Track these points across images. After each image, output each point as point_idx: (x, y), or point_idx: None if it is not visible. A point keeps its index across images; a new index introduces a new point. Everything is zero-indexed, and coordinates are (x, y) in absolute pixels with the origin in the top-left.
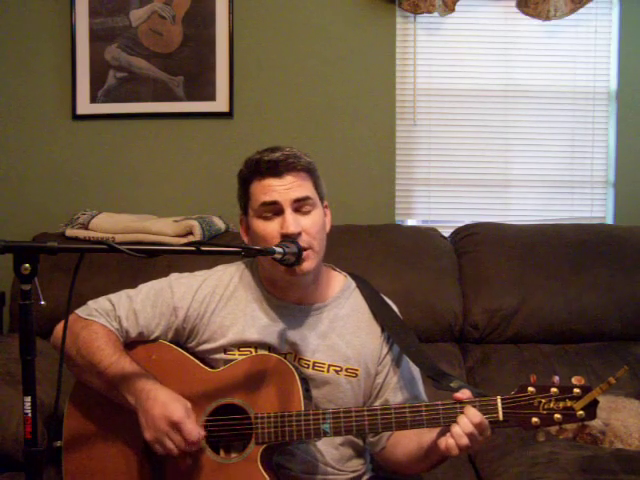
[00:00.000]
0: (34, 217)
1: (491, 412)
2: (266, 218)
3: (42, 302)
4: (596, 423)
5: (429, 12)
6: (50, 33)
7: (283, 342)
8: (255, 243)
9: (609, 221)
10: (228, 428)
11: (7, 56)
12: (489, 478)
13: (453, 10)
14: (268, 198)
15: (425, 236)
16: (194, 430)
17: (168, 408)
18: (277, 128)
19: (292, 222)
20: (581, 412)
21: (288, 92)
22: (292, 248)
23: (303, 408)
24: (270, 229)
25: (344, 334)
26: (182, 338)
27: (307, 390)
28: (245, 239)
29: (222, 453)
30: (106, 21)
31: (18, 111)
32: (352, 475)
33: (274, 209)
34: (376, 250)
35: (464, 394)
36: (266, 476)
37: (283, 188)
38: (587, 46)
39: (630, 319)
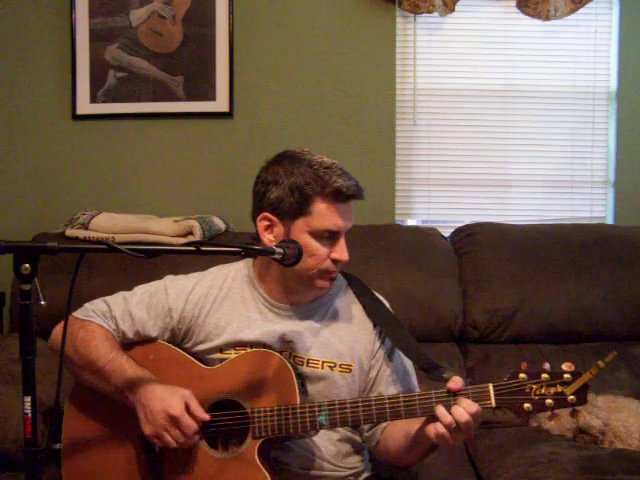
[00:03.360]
0: (34, 217)
1: (484, 399)
2: (321, 239)
3: (42, 302)
4: (596, 423)
5: (429, 12)
6: (50, 33)
7: (278, 341)
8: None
9: (609, 221)
10: (225, 424)
11: (7, 56)
12: (489, 478)
13: (453, 10)
14: (335, 227)
15: (425, 236)
16: (192, 424)
17: (166, 402)
18: (277, 128)
19: (346, 251)
20: (572, 397)
21: (288, 92)
22: (292, 249)
23: (299, 402)
24: (322, 251)
25: (337, 331)
26: (178, 339)
27: (302, 385)
28: (267, 238)
29: (220, 448)
30: (106, 21)
31: (18, 111)
32: (350, 472)
33: (332, 234)
34: (376, 250)
35: (456, 383)
36: (263, 470)
37: (346, 216)
38: (587, 46)
39: (630, 319)
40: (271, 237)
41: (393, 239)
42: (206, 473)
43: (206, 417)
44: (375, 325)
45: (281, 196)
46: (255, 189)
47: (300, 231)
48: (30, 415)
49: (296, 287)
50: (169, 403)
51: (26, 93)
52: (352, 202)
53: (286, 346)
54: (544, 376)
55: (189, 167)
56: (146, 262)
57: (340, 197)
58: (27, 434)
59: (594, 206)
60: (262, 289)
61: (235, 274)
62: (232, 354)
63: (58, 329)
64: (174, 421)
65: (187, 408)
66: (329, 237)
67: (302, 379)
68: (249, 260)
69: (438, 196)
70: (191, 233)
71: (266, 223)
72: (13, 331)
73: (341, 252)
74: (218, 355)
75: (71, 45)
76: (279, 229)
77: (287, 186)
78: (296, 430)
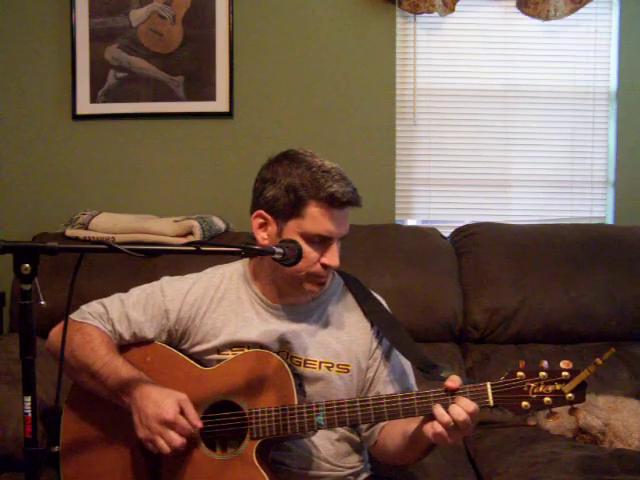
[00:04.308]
0: (34, 217)
1: (481, 398)
2: (312, 243)
3: (42, 302)
4: (596, 423)
5: (429, 12)
6: (50, 33)
7: (275, 341)
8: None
9: (609, 221)
10: (223, 425)
11: (7, 56)
12: (489, 478)
13: (453, 10)
14: (326, 233)
15: (425, 236)
16: (186, 425)
17: (160, 407)
18: (277, 128)
19: (336, 257)
20: (570, 395)
21: (288, 92)
22: (293, 250)
23: (297, 403)
24: (313, 255)
25: (334, 331)
26: (175, 340)
27: (300, 385)
28: (260, 236)
29: (218, 449)
30: (106, 21)
31: (18, 111)
32: (349, 472)
33: (323, 238)
34: (376, 250)
35: (454, 382)
36: (261, 470)
37: (339, 223)
38: (587, 46)
39: (630, 319)
40: (264, 235)
41: (393, 239)
42: (204, 474)
43: (199, 424)
44: (372, 325)
45: (276, 195)
46: (254, 185)
47: (292, 232)
48: (30, 415)
49: (286, 289)
50: (163, 407)
51: (26, 93)
52: (348, 209)
53: (283, 346)
54: (542, 374)
55: (189, 167)
56: (146, 262)
57: (334, 203)
58: (27, 434)
59: (594, 206)
60: (257, 288)
61: (231, 274)
62: (229, 355)
63: (54, 332)
64: (168, 425)
65: (181, 412)
66: (320, 242)
67: (300, 379)
68: (246, 259)
69: (438, 196)
70: (191, 233)
71: (260, 221)
72: (13, 331)
73: (331, 258)
74: (215, 356)
75: (71, 45)
76: (272, 228)
77: (283, 186)
78: (294, 431)
